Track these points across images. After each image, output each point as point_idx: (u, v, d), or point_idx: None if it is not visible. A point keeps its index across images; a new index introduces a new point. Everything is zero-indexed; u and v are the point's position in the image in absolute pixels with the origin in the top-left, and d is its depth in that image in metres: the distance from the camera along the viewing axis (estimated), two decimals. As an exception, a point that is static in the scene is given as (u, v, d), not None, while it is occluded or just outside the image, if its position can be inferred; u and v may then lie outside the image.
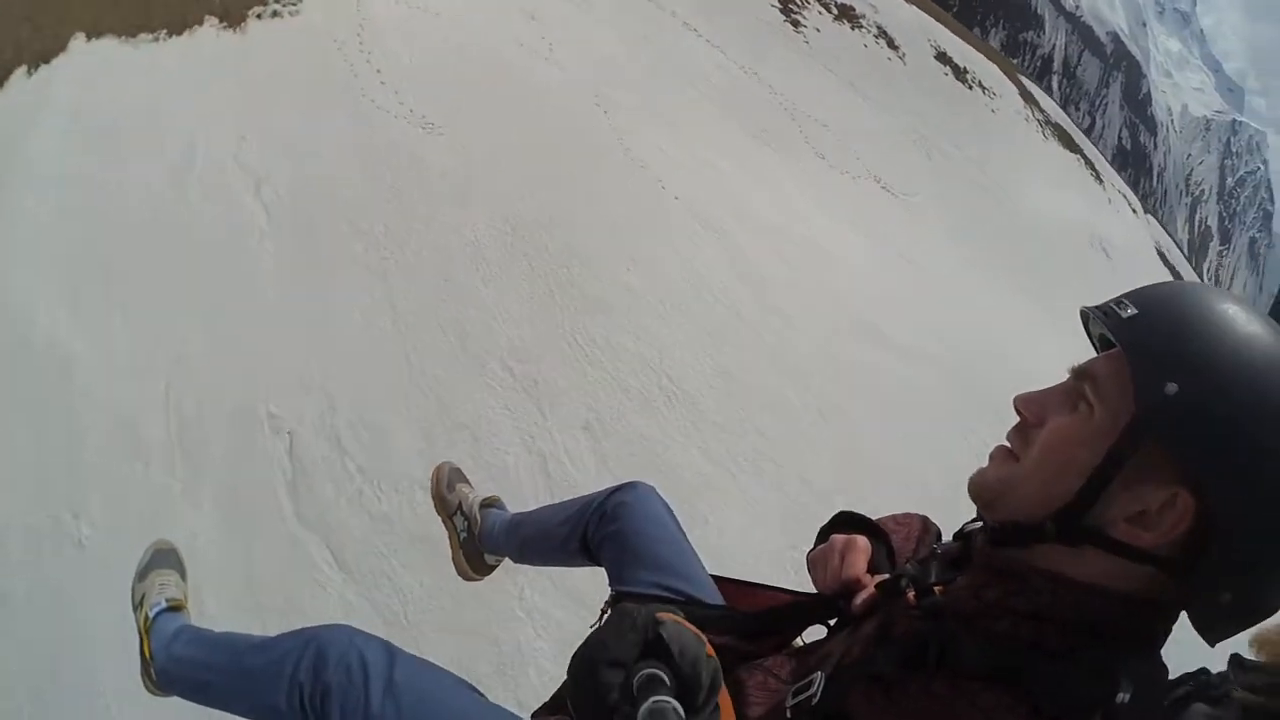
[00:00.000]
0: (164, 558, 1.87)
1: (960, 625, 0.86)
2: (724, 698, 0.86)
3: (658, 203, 6.15)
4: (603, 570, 1.52)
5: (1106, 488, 0.80)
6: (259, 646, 1.34)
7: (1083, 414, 0.84)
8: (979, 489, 0.91)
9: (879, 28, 13.35)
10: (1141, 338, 0.80)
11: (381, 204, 5.14)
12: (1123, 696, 0.73)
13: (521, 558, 1.90)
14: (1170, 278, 17.42)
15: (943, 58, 14.36)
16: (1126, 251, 15.16)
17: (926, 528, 1.25)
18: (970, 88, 14.47)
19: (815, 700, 0.90)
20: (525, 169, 5.88)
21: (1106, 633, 0.80)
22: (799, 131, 9.28)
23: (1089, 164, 17.85)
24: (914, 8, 15.56)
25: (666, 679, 0.74)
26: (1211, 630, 0.81)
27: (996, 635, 0.84)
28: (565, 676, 0.88)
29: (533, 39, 8.13)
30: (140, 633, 1.68)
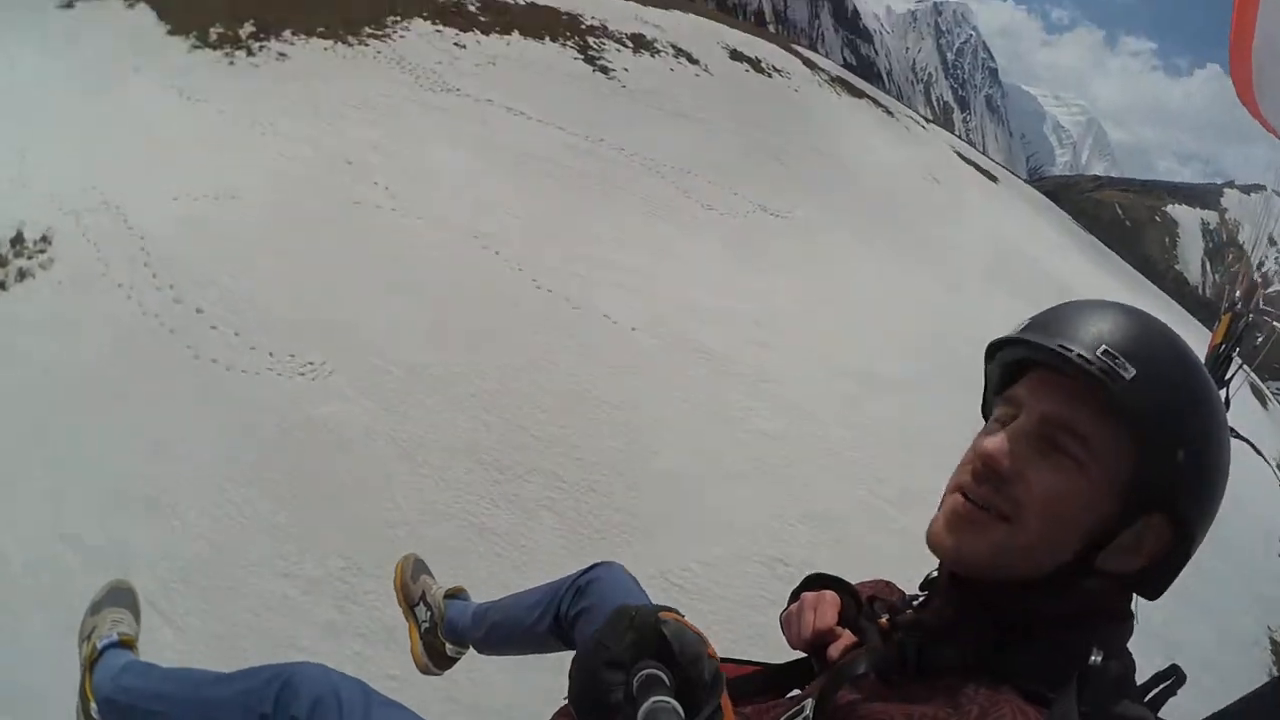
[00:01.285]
0: (120, 596, 1.83)
1: (933, 635, 0.90)
2: (725, 701, 0.80)
3: (624, 347, 5.66)
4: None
5: (1114, 540, 0.86)
6: (221, 680, 1.31)
7: (1070, 471, 0.85)
8: (960, 556, 0.90)
9: (674, 46, 13.40)
10: (1148, 407, 0.83)
11: (309, 531, 4.05)
12: (1095, 659, 0.77)
13: (487, 646, 1.88)
14: (979, 178, 18.92)
15: (737, 55, 14.62)
16: (947, 172, 16.19)
17: (891, 587, 1.24)
18: (769, 75, 14.84)
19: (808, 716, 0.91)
20: (454, 366, 5.09)
21: (1074, 621, 0.85)
22: (675, 188, 9.11)
23: (875, 102, 18.85)
24: (691, 15, 15.78)
25: (666, 679, 0.72)
26: (1159, 593, 0.91)
27: (966, 641, 0.87)
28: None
29: (368, 188, 7.28)
30: (83, 665, 1.64)
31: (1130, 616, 0.91)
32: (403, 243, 6.58)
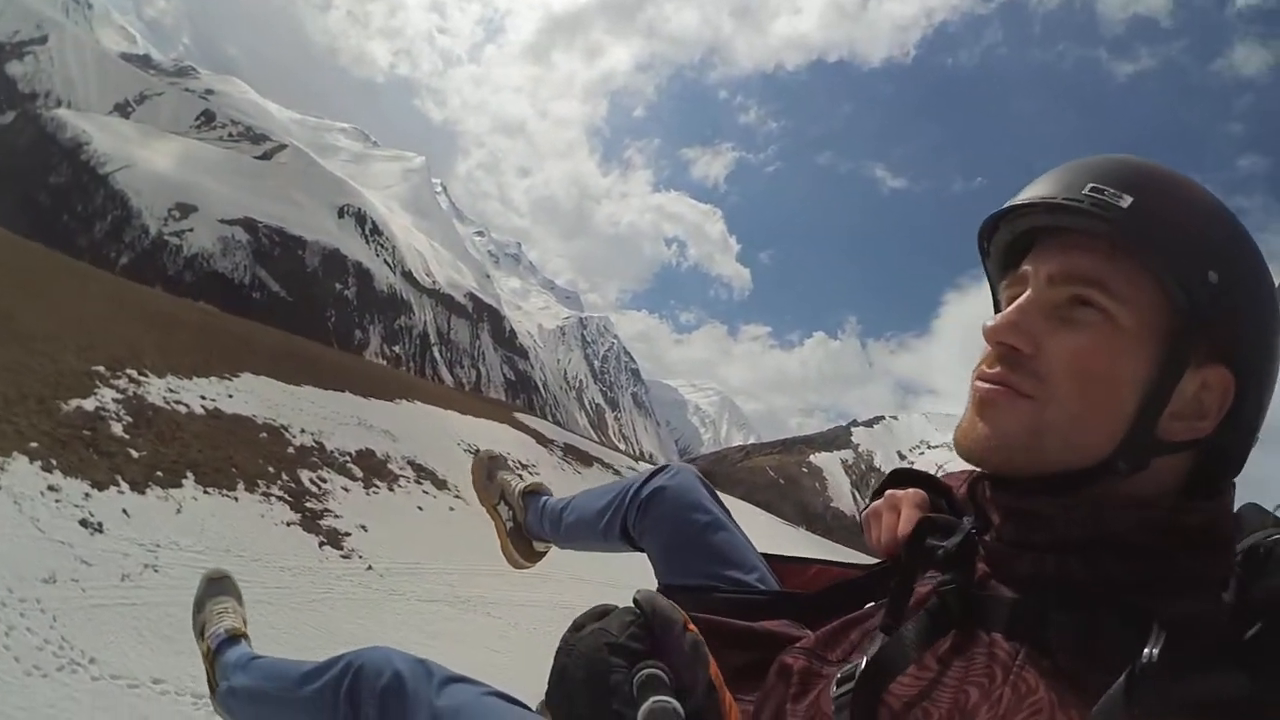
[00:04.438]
0: (218, 585, 2.00)
1: (986, 571, 0.81)
2: (714, 670, 0.74)
3: None
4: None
5: (1173, 393, 0.73)
6: (309, 674, 1.30)
7: (1099, 325, 0.75)
8: (993, 445, 0.77)
9: (410, 463, 10.87)
10: (1159, 228, 0.73)
11: None
12: (1150, 653, 0.61)
13: (566, 543, 1.84)
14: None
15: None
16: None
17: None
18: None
19: (854, 690, 0.79)
20: None
21: (1135, 552, 0.72)
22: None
23: (606, 465, 18.07)
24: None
25: (666, 678, 0.70)
26: (1242, 458, 0.78)
27: (1021, 577, 0.77)
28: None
29: None
30: (205, 660, 1.81)
31: (1225, 542, 0.72)
32: None
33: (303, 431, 10.00)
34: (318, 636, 5.92)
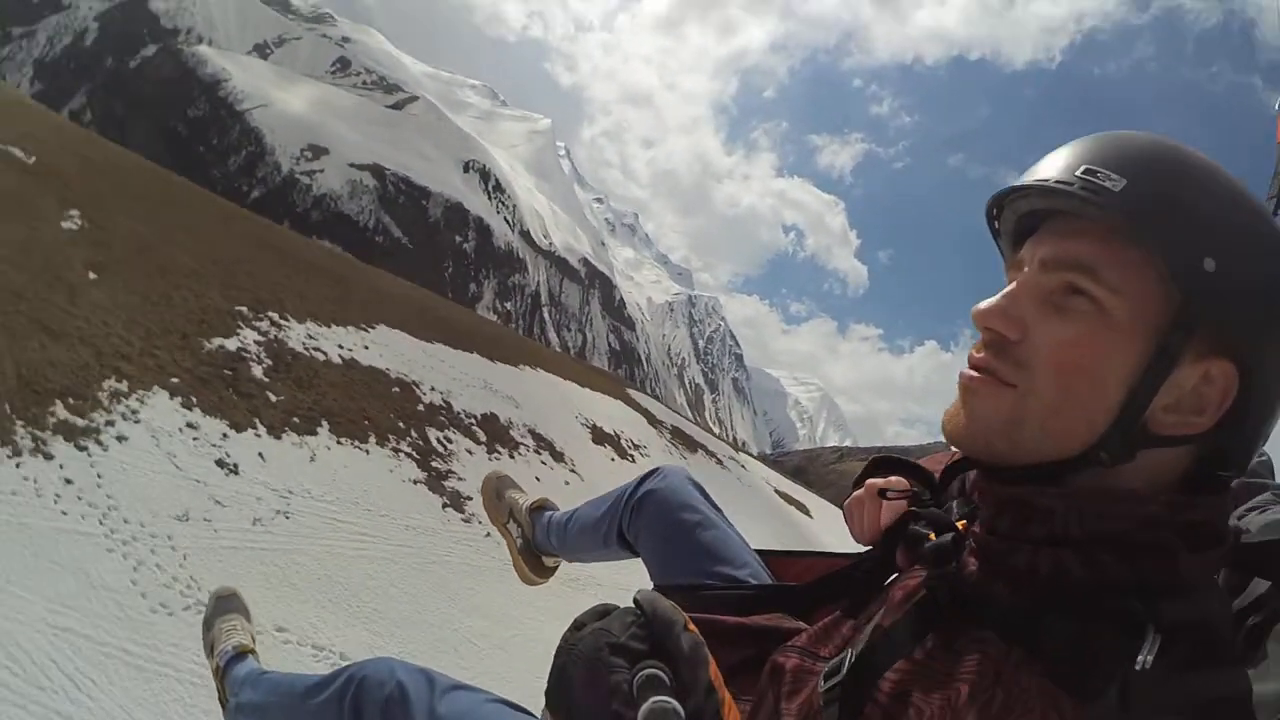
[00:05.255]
0: (226, 603, 2.05)
1: (977, 567, 0.78)
2: (714, 670, 0.73)
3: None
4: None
5: (1160, 388, 0.70)
6: (314, 687, 1.31)
7: (1088, 314, 0.72)
8: (971, 433, 0.77)
9: (532, 432, 10.92)
10: (1152, 212, 0.69)
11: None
12: (1144, 660, 0.62)
13: (573, 557, 1.88)
14: (782, 499, 17.91)
15: (599, 434, 12.47)
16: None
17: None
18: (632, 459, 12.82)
19: (842, 682, 0.80)
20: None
21: (1134, 550, 0.70)
22: None
23: (709, 452, 17.77)
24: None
25: (666, 679, 0.69)
26: (1246, 459, 0.74)
27: (1015, 572, 0.74)
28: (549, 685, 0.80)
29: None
30: (214, 677, 1.84)
31: (1222, 539, 0.72)
32: None
33: (432, 389, 10.10)
34: (435, 599, 5.88)
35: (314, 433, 7.51)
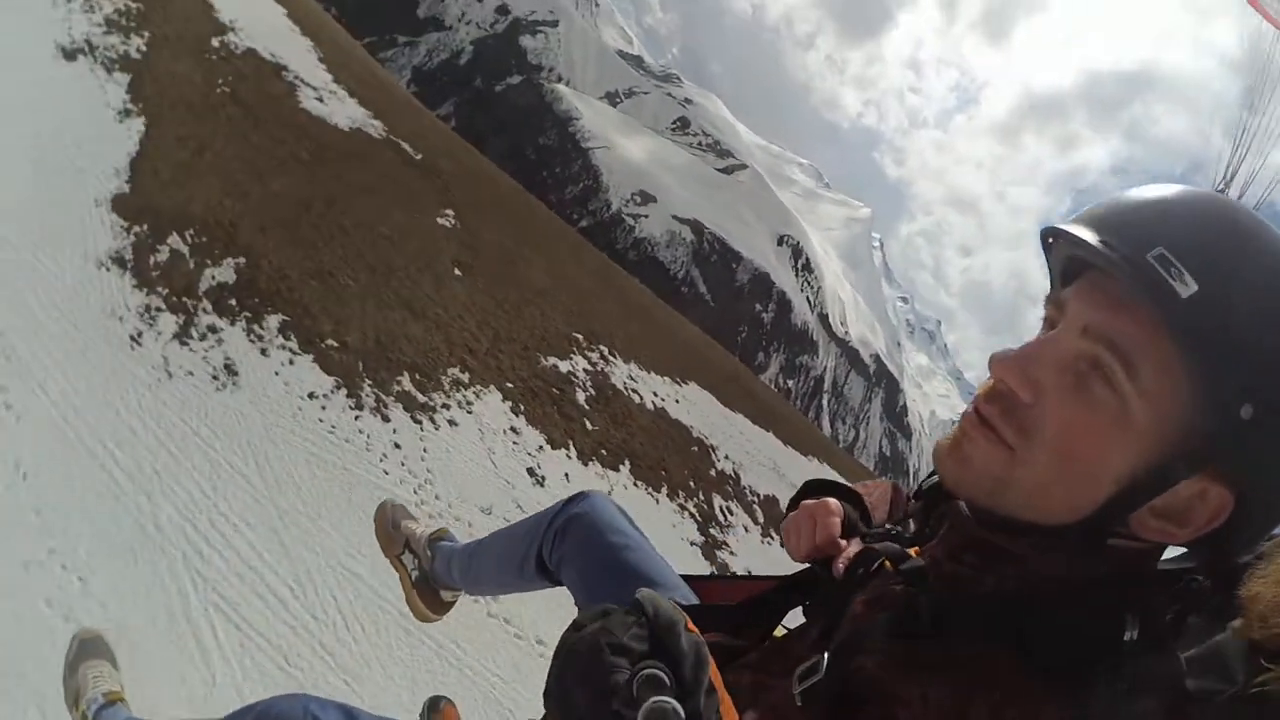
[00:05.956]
0: (90, 647, 1.89)
1: (945, 588, 0.78)
2: (714, 673, 0.71)
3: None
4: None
5: (1148, 501, 0.69)
6: None
7: (1108, 405, 0.68)
8: (960, 475, 0.76)
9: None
10: (1212, 339, 0.64)
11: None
12: (1130, 634, 0.65)
13: (477, 588, 1.80)
14: None
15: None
16: None
17: (898, 491, 1.16)
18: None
19: (823, 679, 0.78)
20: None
21: (1108, 583, 0.72)
22: None
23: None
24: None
25: (667, 679, 0.66)
26: (1214, 574, 0.70)
27: (983, 595, 0.76)
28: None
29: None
30: None
31: (1171, 579, 0.71)
32: None
33: (726, 458, 10.17)
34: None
35: (616, 469, 7.83)
